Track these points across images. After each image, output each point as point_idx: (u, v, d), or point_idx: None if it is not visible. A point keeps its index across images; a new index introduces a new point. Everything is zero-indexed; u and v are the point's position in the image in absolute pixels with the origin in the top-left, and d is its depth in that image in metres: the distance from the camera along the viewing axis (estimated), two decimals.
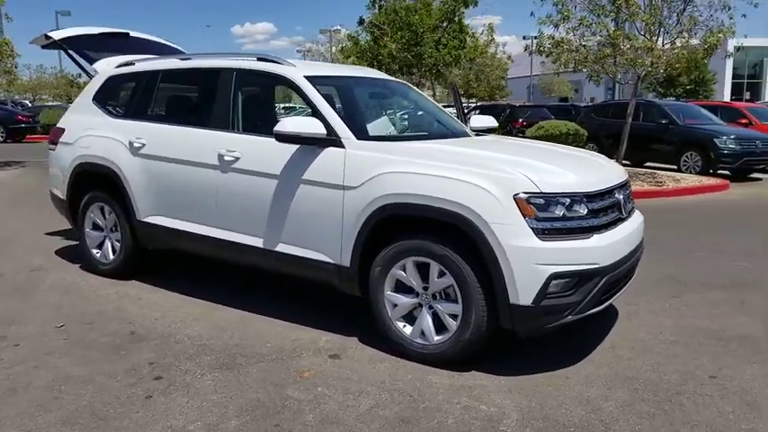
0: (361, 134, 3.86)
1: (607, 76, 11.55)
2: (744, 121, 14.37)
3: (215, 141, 4.24)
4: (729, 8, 10.00)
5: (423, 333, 3.50)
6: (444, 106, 7.40)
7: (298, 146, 3.84)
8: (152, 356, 3.56)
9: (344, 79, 4.63)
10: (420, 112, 4.82)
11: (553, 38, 11.23)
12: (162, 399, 3.07)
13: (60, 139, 5.32)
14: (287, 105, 20.32)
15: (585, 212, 3.31)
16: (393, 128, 4.45)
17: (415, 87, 5.25)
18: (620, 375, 3.40)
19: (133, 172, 4.69)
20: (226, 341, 3.80)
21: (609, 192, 3.57)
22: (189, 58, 4.92)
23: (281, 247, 3.98)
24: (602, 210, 3.45)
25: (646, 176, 11.51)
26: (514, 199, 3.17)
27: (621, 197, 3.71)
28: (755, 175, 13.25)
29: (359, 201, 3.57)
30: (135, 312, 4.30)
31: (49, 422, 2.83)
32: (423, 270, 3.48)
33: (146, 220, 4.70)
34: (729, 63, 42.07)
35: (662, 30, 10.59)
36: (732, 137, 12.31)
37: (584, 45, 10.51)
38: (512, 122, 19.95)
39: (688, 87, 35.28)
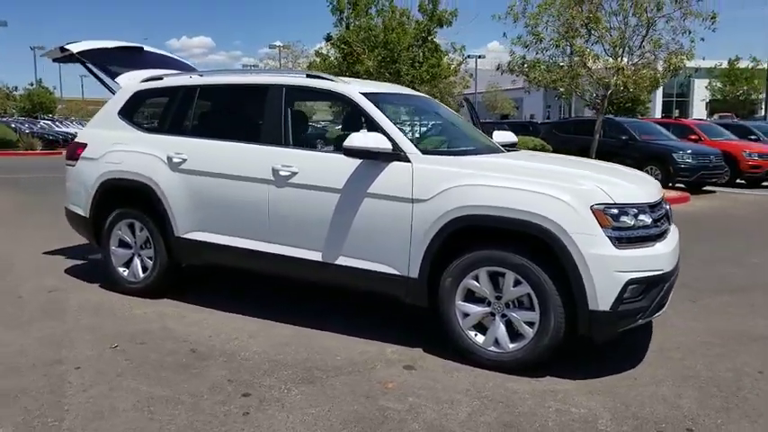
0: (421, 148, 3.96)
1: (569, 93, 12.10)
2: (694, 137, 15.30)
3: (268, 156, 4.25)
4: (690, 32, 10.71)
5: (497, 341, 3.61)
6: None
7: (360, 160, 3.91)
8: (227, 374, 3.52)
9: (390, 96, 4.73)
10: (455, 127, 4.97)
11: (524, 57, 11.68)
12: (260, 415, 3.05)
13: (82, 155, 5.16)
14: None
15: (650, 222, 3.53)
16: (444, 142, 4.57)
17: (441, 103, 5.41)
18: (680, 375, 3.62)
19: (172, 187, 4.61)
20: (294, 356, 3.80)
21: (660, 203, 3.82)
22: (221, 74, 4.90)
23: (341, 260, 4.02)
24: (659, 219, 3.68)
25: None
26: (592, 210, 3.35)
27: (667, 207, 3.97)
28: (709, 188, 14.11)
29: (430, 213, 3.67)
30: (184, 331, 4.22)
31: None
32: (494, 279, 3.60)
33: (185, 236, 4.62)
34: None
35: (627, 51, 11.21)
36: (689, 152, 13.10)
37: (561, 65, 11.00)
38: None
39: (626, 105, 37.05)
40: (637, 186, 3.69)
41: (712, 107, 45.28)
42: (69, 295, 5.03)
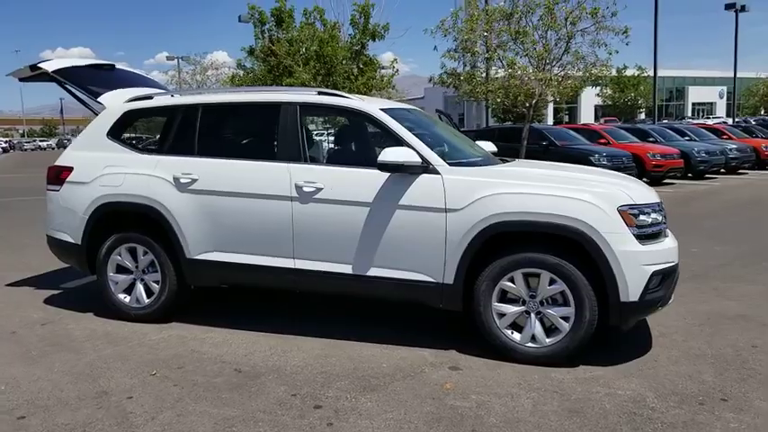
0: (447, 160, 4.18)
1: (497, 104, 12.82)
2: (603, 140, 16.56)
3: (289, 173, 4.30)
4: (606, 45, 11.71)
5: (534, 337, 3.89)
6: None
7: (388, 174, 4.07)
8: (286, 389, 3.56)
9: (401, 111, 4.88)
10: (456, 139, 5.22)
11: (455, 70, 12.23)
12: (344, 424, 3.14)
13: (68, 179, 4.93)
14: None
15: (660, 219, 3.96)
16: (461, 153, 4.78)
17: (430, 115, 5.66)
18: (690, 354, 4.06)
19: (182, 209, 4.54)
20: (341, 367, 3.88)
21: (661, 203, 4.28)
22: (222, 92, 4.88)
23: (373, 272, 4.15)
24: (664, 217, 4.13)
25: None
26: (618, 211, 3.72)
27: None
28: None
29: (464, 221, 3.89)
30: (216, 352, 4.17)
31: None
32: (527, 280, 3.89)
33: (198, 257, 4.56)
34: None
35: (550, 63, 12.05)
36: (604, 155, 14.20)
37: (497, 77, 11.65)
38: None
39: (521, 112, 39.23)
40: (645, 188, 4.12)
41: (598, 113, 48.94)
42: (67, 326, 4.78)
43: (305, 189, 4.25)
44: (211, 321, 4.78)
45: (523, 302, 3.92)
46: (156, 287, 4.75)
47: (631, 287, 3.70)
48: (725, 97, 59.71)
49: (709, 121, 31.80)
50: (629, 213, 3.75)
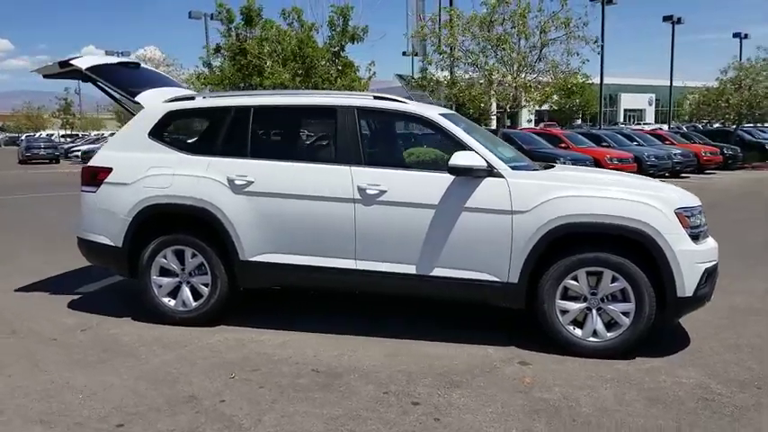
0: (508, 164, 4.36)
1: (477, 108, 13.19)
2: (563, 145, 17.27)
3: (351, 176, 4.37)
4: (578, 53, 12.26)
5: (595, 332, 4.13)
6: None
7: (453, 177, 4.22)
8: (375, 387, 3.64)
9: (455, 116, 5.00)
10: (501, 144, 5.40)
11: (434, 75, 12.50)
12: (450, 419, 3.26)
13: (107, 180, 4.81)
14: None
15: (704, 221, 4.28)
16: (511, 158, 4.95)
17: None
18: (727, 344, 4.40)
19: (237, 210, 4.52)
20: (416, 365, 3.98)
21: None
22: (273, 95, 4.89)
23: (437, 272, 4.28)
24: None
25: None
26: (675, 213, 4.01)
27: None
28: None
29: (531, 223, 4.09)
30: (284, 353, 4.18)
31: None
32: (588, 278, 4.12)
33: (253, 259, 4.55)
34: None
35: (525, 69, 12.50)
36: (569, 159, 14.82)
37: (481, 82, 11.97)
38: None
39: (474, 116, 40.19)
40: (688, 193, 4.43)
41: (544, 117, 50.62)
42: (110, 331, 4.66)
43: (368, 191, 4.32)
44: (259, 323, 4.77)
45: (585, 299, 4.15)
46: (204, 290, 4.70)
47: (687, 283, 3.99)
48: (653, 104, 62.98)
49: (647, 127, 33.46)
50: (684, 215, 4.05)
